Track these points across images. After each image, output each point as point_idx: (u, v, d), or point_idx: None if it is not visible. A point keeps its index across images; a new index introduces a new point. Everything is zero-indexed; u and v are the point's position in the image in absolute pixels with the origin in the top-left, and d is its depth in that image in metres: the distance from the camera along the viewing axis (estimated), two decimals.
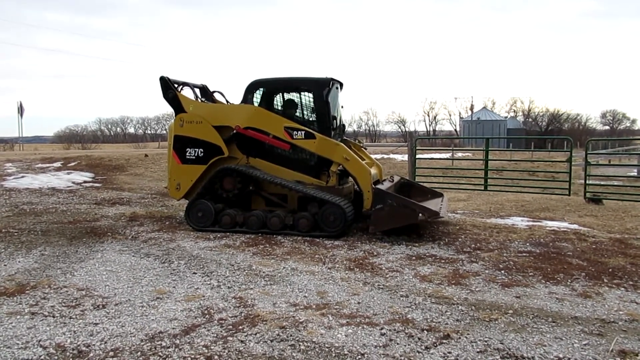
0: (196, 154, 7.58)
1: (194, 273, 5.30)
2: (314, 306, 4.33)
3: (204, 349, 3.50)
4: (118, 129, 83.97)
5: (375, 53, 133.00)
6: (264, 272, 5.30)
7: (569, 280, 5.05)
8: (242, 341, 3.63)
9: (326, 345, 3.56)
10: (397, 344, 3.59)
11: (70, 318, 4.06)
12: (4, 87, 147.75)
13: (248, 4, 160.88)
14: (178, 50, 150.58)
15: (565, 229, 7.51)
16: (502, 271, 5.37)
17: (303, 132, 7.27)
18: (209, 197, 7.46)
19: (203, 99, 8.32)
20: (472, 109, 64.12)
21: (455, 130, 68.98)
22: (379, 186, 7.07)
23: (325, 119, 7.37)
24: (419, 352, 3.47)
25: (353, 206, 7.24)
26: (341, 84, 8.02)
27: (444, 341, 3.63)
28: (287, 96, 7.74)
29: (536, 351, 3.47)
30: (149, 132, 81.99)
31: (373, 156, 8.33)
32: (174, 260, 5.78)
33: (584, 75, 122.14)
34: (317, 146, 7.24)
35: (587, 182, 11.06)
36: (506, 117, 62.00)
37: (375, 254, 6.10)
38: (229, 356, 3.40)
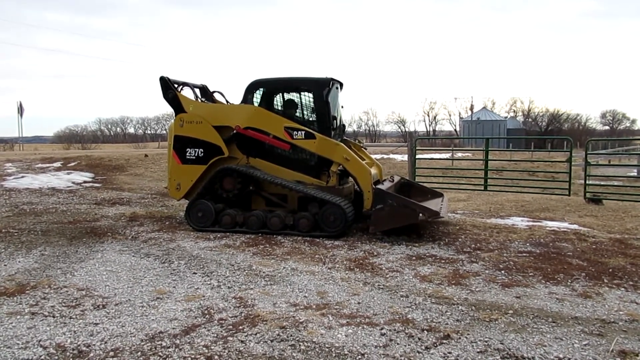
0: (196, 154, 7.58)
1: (194, 273, 5.30)
2: (314, 306, 4.33)
3: (204, 349, 3.50)
4: (118, 129, 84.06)
5: (375, 53, 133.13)
6: (264, 272, 5.30)
7: (569, 281, 5.05)
8: (242, 341, 3.63)
9: (326, 345, 3.56)
10: (397, 344, 3.59)
11: (71, 318, 4.07)
12: (4, 87, 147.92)
13: (248, 4, 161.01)
14: (178, 50, 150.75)
15: (565, 229, 7.51)
16: (502, 271, 5.37)
17: (303, 132, 7.27)
18: (209, 197, 7.46)
19: (203, 99, 8.32)
20: (472, 109, 64.18)
21: (455, 130, 69.01)
22: (379, 186, 7.07)
23: (325, 119, 7.37)
24: (419, 352, 3.47)
25: (353, 206, 7.25)
26: (341, 84, 8.02)
27: (444, 341, 3.63)
28: (287, 96, 7.74)
29: (536, 351, 3.48)
30: (148, 132, 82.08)
31: (373, 156, 8.33)
32: (174, 260, 5.78)
33: (584, 75, 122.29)
34: (317, 146, 7.24)
35: (587, 182, 11.07)
36: (506, 117, 62.02)
37: (375, 254, 6.10)
38: (229, 356, 3.40)
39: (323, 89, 7.36)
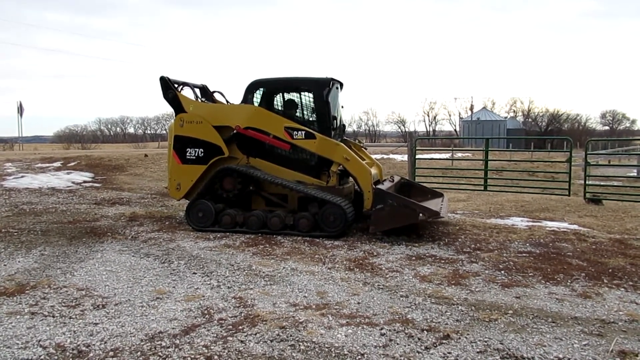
0: (196, 154, 7.58)
1: (194, 273, 5.30)
2: (314, 306, 4.33)
3: (203, 349, 3.50)
4: (118, 129, 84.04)
5: (375, 53, 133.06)
6: (263, 272, 5.31)
7: (569, 281, 5.05)
8: (242, 341, 3.63)
9: (326, 345, 3.56)
10: (397, 344, 3.59)
11: (70, 318, 4.07)
12: (4, 87, 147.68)
13: (248, 4, 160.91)
14: (178, 50, 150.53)
15: (565, 230, 7.52)
16: (502, 271, 5.38)
17: (303, 132, 7.27)
18: (209, 197, 7.47)
19: (203, 99, 8.32)
20: (471, 109, 64.16)
21: (455, 130, 69.01)
22: (380, 186, 7.07)
23: (325, 119, 7.38)
24: (418, 352, 3.47)
25: (353, 206, 7.25)
26: (341, 84, 8.02)
27: (444, 341, 3.63)
28: (287, 96, 7.74)
29: (536, 351, 3.48)
30: (148, 132, 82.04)
31: (373, 156, 8.33)
32: (173, 260, 5.78)
33: (584, 75, 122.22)
34: (318, 146, 7.25)
35: (587, 182, 11.07)
36: (506, 118, 62.02)
37: (375, 254, 6.10)
38: (229, 356, 3.40)
39: (323, 89, 7.36)
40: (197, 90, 8.31)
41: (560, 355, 3.42)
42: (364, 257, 5.95)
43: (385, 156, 20.10)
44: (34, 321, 3.99)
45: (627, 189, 12.75)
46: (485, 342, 3.62)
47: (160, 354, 3.43)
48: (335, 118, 7.51)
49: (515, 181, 13.49)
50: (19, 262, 5.69)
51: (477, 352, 3.46)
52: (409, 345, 3.58)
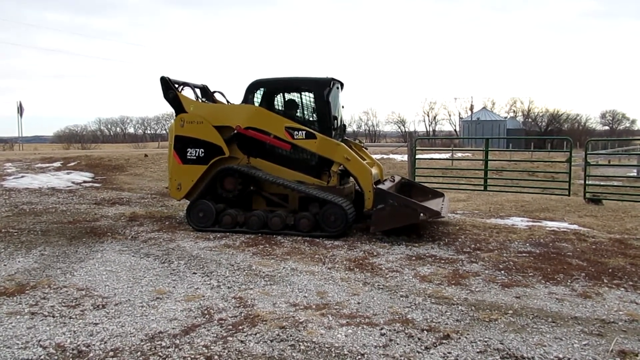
0: (197, 154, 7.58)
1: (194, 273, 5.30)
2: (314, 306, 4.33)
3: (204, 349, 3.51)
4: (118, 129, 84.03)
5: (375, 53, 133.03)
6: (263, 272, 5.31)
7: (569, 281, 5.06)
8: (242, 341, 3.63)
9: (326, 345, 3.56)
10: (397, 344, 3.59)
11: (70, 318, 4.07)
12: (4, 87, 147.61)
13: (248, 4, 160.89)
14: (178, 50, 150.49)
15: (565, 229, 7.52)
16: (502, 271, 5.38)
17: (304, 132, 7.27)
18: (210, 197, 7.47)
19: (204, 99, 8.33)
20: (471, 109, 64.16)
21: (455, 130, 69.00)
22: (380, 186, 7.08)
23: (326, 119, 7.38)
24: (418, 352, 3.47)
25: (354, 206, 7.25)
26: (342, 84, 8.02)
27: (444, 341, 3.63)
28: (287, 96, 7.74)
29: (536, 351, 3.48)
30: (148, 132, 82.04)
31: (373, 156, 8.34)
32: (173, 260, 5.78)
33: (583, 75, 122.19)
34: (318, 146, 7.25)
35: (587, 182, 11.08)
36: (506, 118, 62.00)
37: (375, 254, 6.10)
38: (229, 356, 3.40)
39: (324, 88, 7.36)
40: (198, 91, 8.32)
41: (560, 355, 3.42)
42: (364, 257, 5.95)
43: (385, 156, 20.10)
44: (34, 321, 3.99)
45: (627, 189, 12.75)
46: (485, 342, 3.62)
47: (160, 354, 3.43)
48: (335, 118, 7.51)
49: (515, 181, 13.49)
50: (19, 262, 5.70)
51: (477, 352, 3.46)
52: (409, 345, 3.58)
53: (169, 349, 3.50)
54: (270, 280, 5.04)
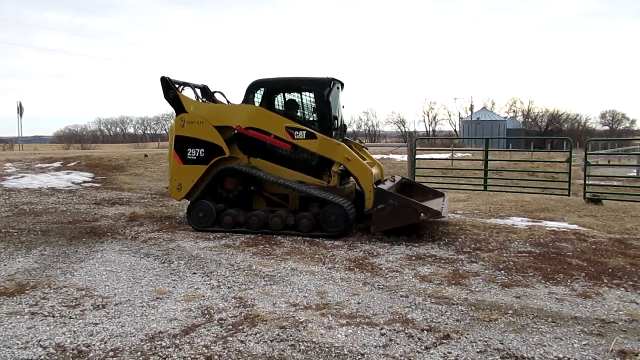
0: (197, 154, 7.58)
1: (194, 273, 5.30)
2: (314, 306, 4.33)
3: (204, 349, 3.51)
4: (117, 129, 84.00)
5: (375, 53, 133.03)
6: (263, 272, 5.31)
7: (569, 281, 5.06)
8: (242, 341, 3.63)
9: (326, 345, 3.56)
10: (397, 344, 3.59)
11: (70, 318, 4.07)
12: (4, 87, 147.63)
13: (248, 4, 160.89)
14: (178, 50, 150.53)
15: (565, 229, 7.52)
16: (502, 271, 5.38)
17: (304, 132, 7.27)
18: (210, 197, 7.47)
19: (204, 99, 8.33)
20: (471, 109, 64.15)
21: (455, 130, 68.98)
22: (381, 186, 7.08)
23: (326, 119, 7.38)
24: (418, 352, 3.47)
25: (354, 206, 7.25)
26: (342, 84, 8.02)
27: (444, 341, 3.63)
28: (288, 96, 7.74)
29: (536, 351, 3.48)
30: (148, 132, 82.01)
31: (372, 156, 8.34)
32: (173, 260, 5.78)
33: (583, 75, 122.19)
34: (319, 146, 7.25)
35: (587, 182, 11.08)
36: (506, 118, 62.00)
37: (375, 254, 6.10)
38: (229, 356, 3.40)
39: (324, 88, 7.36)
40: (198, 91, 8.32)
41: (560, 355, 3.42)
42: (364, 257, 5.95)
43: (385, 156, 20.10)
44: (34, 321, 3.99)
45: (627, 189, 12.74)
46: (485, 342, 3.62)
47: (160, 354, 3.43)
48: (336, 118, 7.52)
49: (515, 181, 13.49)
50: (19, 262, 5.70)
51: (477, 352, 3.46)
52: (409, 345, 3.58)
53: (169, 349, 3.50)
54: (270, 280, 5.04)
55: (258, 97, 7.63)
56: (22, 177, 13.40)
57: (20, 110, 33.24)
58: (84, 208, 9.38)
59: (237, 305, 4.36)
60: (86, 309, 4.26)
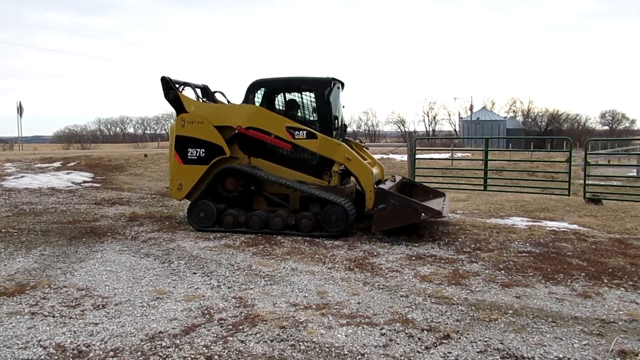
0: (198, 154, 7.58)
1: (194, 273, 5.30)
2: (314, 306, 4.33)
3: (204, 349, 3.51)
4: (117, 129, 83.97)
5: (374, 53, 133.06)
6: (264, 272, 5.31)
7: (569, 281, 5.06)
8: (242, 341, 3.63)
9: (326, 345, 3.56)
10: (397, 344, 3.59)
11: (70, 318, 4.07)
12: (4, 87, 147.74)
13: (248, 4, 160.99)
14: (178, 50, 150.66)
15: (565, 229, 7.52)
16: (502, 271, 5.38)
17: (305, 132, 7.27)
18: (211, 197, 7.47)
19: (204, 99, 8.33)
20: (471, 109, 64.13)
21: (455, 130, 68.95)
22: (381, 186, 7.08)
23: (326, 119, 7.38)
24: (419, 352, 3.47)
25: (355, 206, 7.25)
26: (342, 84, 8.02)
27: (444, 341, 3.63)
28: (288, 96, 7.75)
29: (536, 351, 3.48)
30: (148, 132, 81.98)
31: (373, 156, 8.34)
32: (173, 260, 5.78)
33: (583, 75, 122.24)
34: (319, 146, 7.25)
35: (587, 182, 11.07)
36: (505, 117, 61.95)
37: (375, 254, 6.10)
38: (229, 356, 3.40)
39: (324, 88, 7.36)
40: (198, 91, 8.32)
41: (560, 355, 3.42)
42: (364, 257, 5.96)
43: (385, 156, 20.09)
44: (34, 321, 3.99)
45: (627, 189, 12.74)
46: (486, 342, 3.62)
47: (160, 354, 3.43)
48: (336, 118, 7.52)
49: (515, 181, 13.49)
50: (19, 262, 5.69)
51: (477, 352, 3.46)
52: (409, 345, 3.58)
53: (169, 349, 3.50)
54: (271, 280, 5.04)
55: (258, 97, 7.63)
56: (22, 177, 13.40)
57: (20, 110, 33.23)
58: (84, 208, 9.38)
59: (237, 305, 4.36)
60: (86, 309, 4.26)
